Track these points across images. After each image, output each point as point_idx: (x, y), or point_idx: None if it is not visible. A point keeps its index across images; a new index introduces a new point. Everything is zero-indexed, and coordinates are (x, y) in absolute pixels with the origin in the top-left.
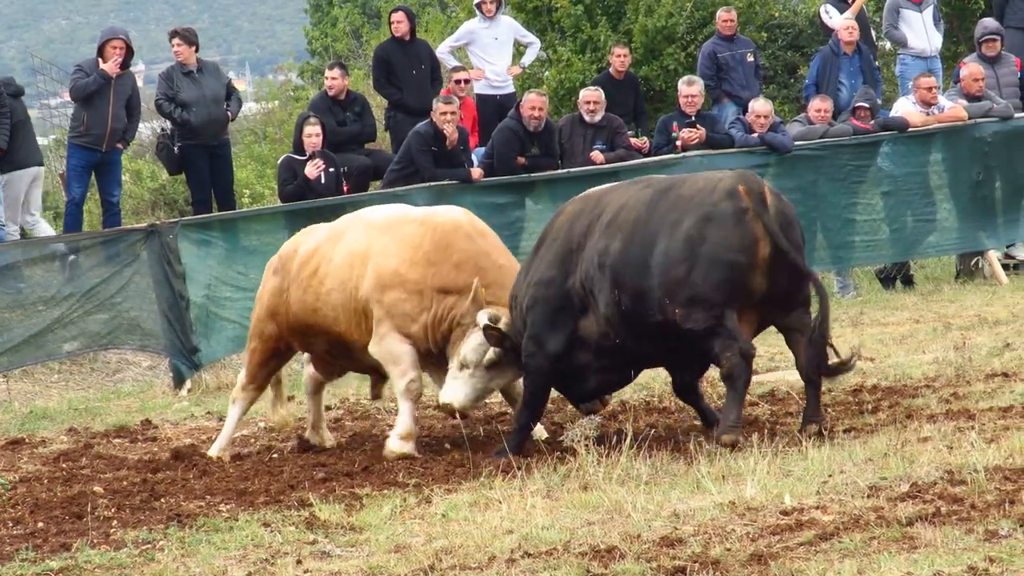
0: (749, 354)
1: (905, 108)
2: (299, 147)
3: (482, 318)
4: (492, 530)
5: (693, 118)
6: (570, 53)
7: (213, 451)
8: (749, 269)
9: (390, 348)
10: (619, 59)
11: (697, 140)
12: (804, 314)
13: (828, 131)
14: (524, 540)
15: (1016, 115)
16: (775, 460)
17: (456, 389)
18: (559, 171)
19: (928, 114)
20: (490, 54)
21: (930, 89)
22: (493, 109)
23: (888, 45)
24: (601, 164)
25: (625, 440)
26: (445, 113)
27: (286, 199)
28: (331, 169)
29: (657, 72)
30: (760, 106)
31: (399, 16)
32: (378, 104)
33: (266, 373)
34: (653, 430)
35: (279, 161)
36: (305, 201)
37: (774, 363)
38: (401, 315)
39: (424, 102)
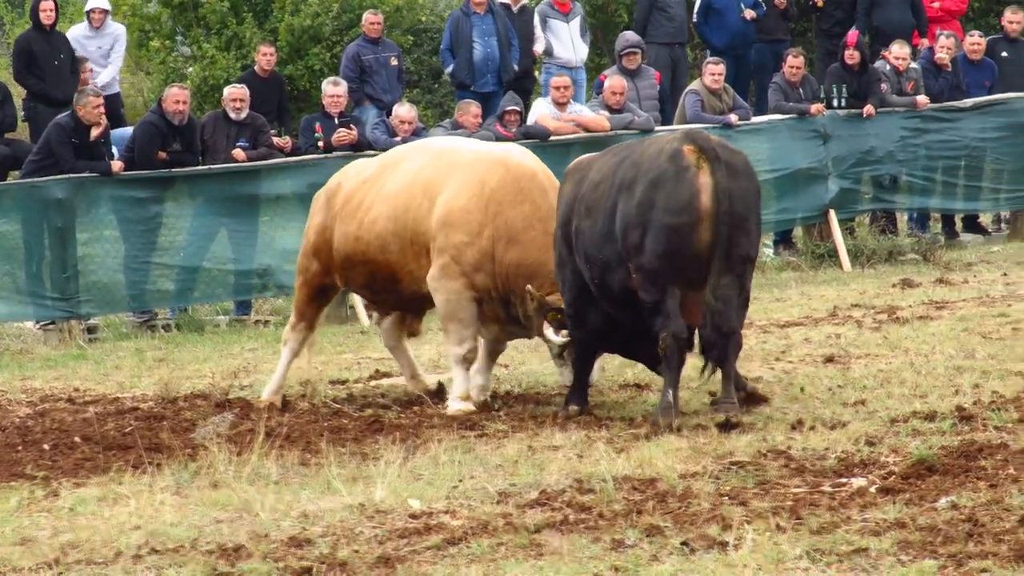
0: (681, 337)
1: (540, 110)
2: None
3: (550, 334)
4: (119, 525)
5: (337, 119)
6: (215, 50)
7: (265, 395)
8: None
9: (456, 305)
10: (264, 57)
11: (348, 141)
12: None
13: (471, 137)
14: (152, 536)
15: (656, 128)
16: (405, 463)
17: (568, 374)
18: (200, 167)
19: (559, 118)
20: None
21: (561, 89)
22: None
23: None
24: (243, 162)
25: (257, 439)
26: (98, 106)
27: None
28: None
29: (302, 72)
30: (405, 111)
31: (49, 4)
32: (18, 93)
33: (314, 310)
34: (285, 429)
35: None
36: None
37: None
38: (466, 261)
39: (65, 93)
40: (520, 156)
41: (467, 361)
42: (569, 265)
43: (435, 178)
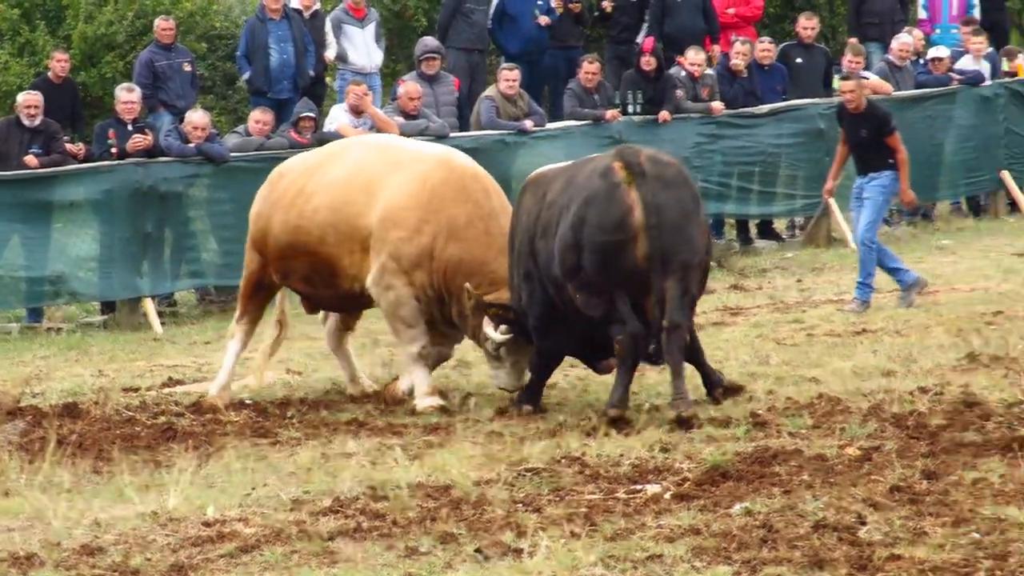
0: (638, 335)
1: (339, 118)
2: None
3: (490, 332)
4: None
5: (131, 126)
6: (8, 56)
7: (213, 390)
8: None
9: (398, 304)
10: (58, 64)
11: (144, 146)
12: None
13: (265, 144)
14: None
15: (452, 134)
16: (198, 471)
17: (505, 375)
18: None
19: (358, 126)
20: None
21: (359, 96)
22: None
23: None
24: (36, 168)
25: (48, 447)
26: None
27: None
28: None
29: (95, 79)
30: (198, 117)
31: None
32: None
33: (255, 306)
34: (77, 437)
35: None
36: None
37: (202, 374)
38: (405, 258)
39: None
40: (462, 157)
41: (423, 358)
42: (536, 279)
43: (377, 175)
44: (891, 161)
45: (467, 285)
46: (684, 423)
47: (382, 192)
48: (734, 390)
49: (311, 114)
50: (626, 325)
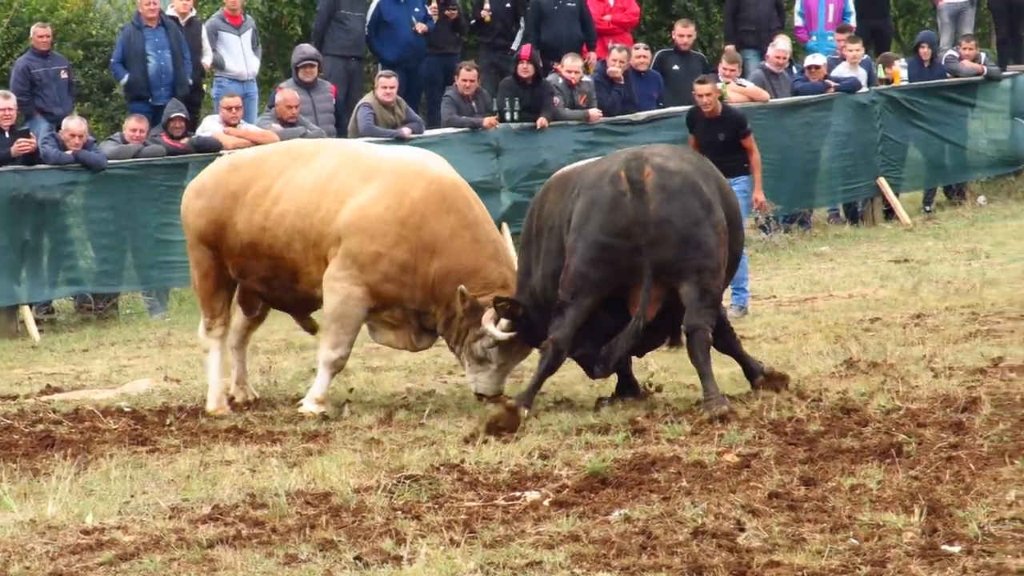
0: (559, 347)
1: (213, 127)
2: None
3: (492, 328)
4: None
5: (8, 133)
6: None
7: (211, 406)
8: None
9: (347, 309)
10: None
11: (29, 150)
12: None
13: (142, 150)
14: None
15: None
16: (77, 479)
17: (486, 379)
18: None
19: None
20: None
21: (233, 109)
22: None
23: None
24: None
25: None
26: None
27: None
28: None
29: None
30: (75, 125)
31: None
32: None
33: (220, 305)
34: None
35: None
36: None
37: (80, 381)
38: (377, 270)
39: None
40: (438, 166)
41: (336, 367)
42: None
43: (349, 182)
44: (747, 165)
45: (461, 287)
46: (722, 420)
47: (354, 200)
48: (776, 378)
49: (181, 114)
50: (558, 331)
